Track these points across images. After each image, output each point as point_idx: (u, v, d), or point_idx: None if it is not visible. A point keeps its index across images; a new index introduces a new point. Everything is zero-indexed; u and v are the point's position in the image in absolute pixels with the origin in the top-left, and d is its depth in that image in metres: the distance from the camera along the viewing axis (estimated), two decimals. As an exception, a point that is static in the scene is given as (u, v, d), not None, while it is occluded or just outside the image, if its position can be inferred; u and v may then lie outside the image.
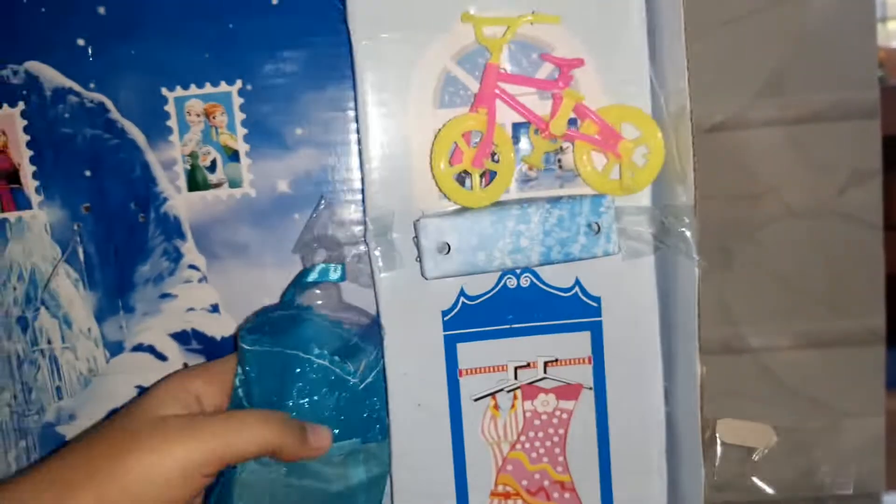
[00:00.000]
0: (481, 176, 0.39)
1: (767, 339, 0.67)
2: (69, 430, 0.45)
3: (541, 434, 0.42)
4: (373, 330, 0.41)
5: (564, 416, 0.42)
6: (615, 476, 0.42)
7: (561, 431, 0.42)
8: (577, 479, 0.42)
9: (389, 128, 0.39)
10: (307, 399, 0.38)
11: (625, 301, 0.41)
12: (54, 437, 0.45)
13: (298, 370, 0.38)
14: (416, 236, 0.38)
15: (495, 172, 0.39)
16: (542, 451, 0.42)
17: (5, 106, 0.41)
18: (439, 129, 0.38)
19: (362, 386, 0.39)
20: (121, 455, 0.32)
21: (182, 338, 0.44)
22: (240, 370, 0.38)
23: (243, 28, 0.40)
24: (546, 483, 0.42)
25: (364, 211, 0.40)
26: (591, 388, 0.42)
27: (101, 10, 0.40)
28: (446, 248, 0.37)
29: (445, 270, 0.38)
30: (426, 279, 0.38)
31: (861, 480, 0.68)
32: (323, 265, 0.39)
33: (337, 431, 0.39)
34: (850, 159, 0.64)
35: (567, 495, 0.43)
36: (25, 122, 0.42)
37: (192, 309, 0.43)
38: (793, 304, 0.66)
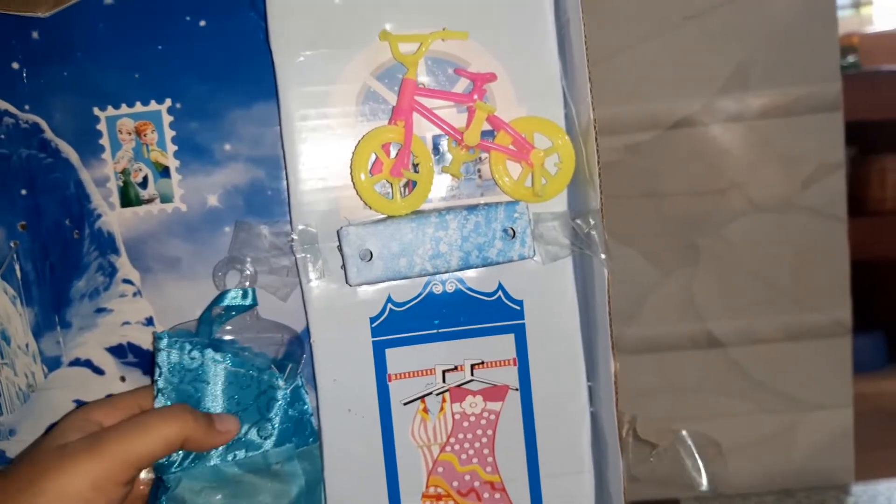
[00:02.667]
0: (405, 186, 0.41)
1: (735, 333, 0.67)
2: (9, 447, 0.45)
3: (469, 436, 0.43)
4: (294, 343, 0.42)
5: (492, 417, 0.43)
6: (543, 475, 0.44)
7: (489, 433, 0.44)
8: (507, 479, 0.44)
9: (313, 142, 0.40)
10: (238, 409, 0.40)
11: (546, 304, 0.43)
12: (-7, 453, 0.45)
13: (230, 382, 0.40)
14: (339, 244, 0.39)
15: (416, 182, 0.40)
16: (471, 452, 0.44)
17: (-59, 128, 0.42)
18: (358, 141, 0.39)
19: (289, 390, 0.40)
20: (31, 483, 0.33)
21: (118, 351, 0.44)
22: (160, 380, 0.39)
23: (172, 49, 0.42)
24: (476, 484, 0.44)
25: (291, 223, 0.41)
26: (517, 390, 0.43)
27: (35, 34, 0.42)
28: (368, 255, 0.39)
29: (368, 277, 0.39)
30: (350, 286, 0.40)
31: (830, 472, 0.68)
32: (234, 291, 0.40)
33: (272, 439, 0.40)
34: (813, 153, 0.64)
35: (497, 495, 0.44)
36: (-39, 144, 0.43)
37: (127, 323, 0.44)
38: (760, 298, 0.67)
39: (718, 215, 0.65)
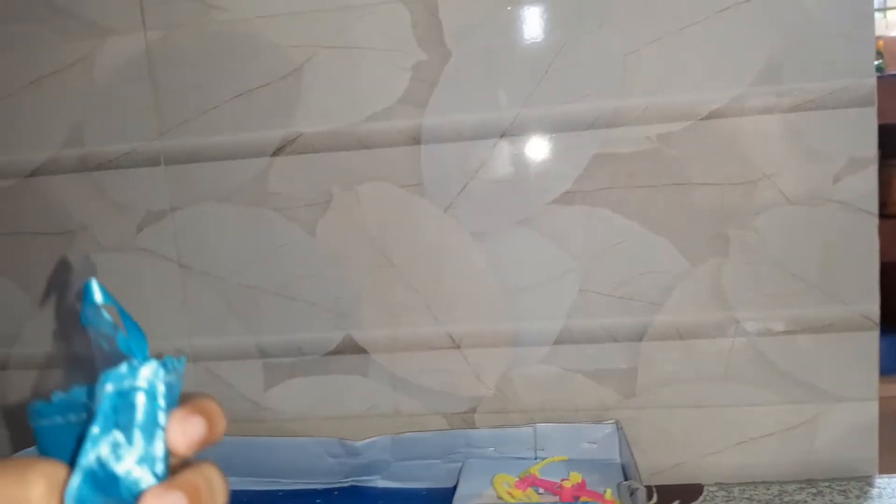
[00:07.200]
0: (520, 503, 0.74)
1: (762, 323, 0.65)
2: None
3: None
4: None
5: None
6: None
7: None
8: None
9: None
10: None
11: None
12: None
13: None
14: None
15: (527, 497, 0.74)
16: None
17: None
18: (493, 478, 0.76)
19: None
20: None
21: None
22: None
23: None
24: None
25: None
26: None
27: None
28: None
29: None
30: None
31: (854, 463, 0.67)
32: None
33: None
34: (845, 147, 0.64)
35: None
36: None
37: None
38: (788, 289, 0.66)
39: (749, 206, 0.65)
